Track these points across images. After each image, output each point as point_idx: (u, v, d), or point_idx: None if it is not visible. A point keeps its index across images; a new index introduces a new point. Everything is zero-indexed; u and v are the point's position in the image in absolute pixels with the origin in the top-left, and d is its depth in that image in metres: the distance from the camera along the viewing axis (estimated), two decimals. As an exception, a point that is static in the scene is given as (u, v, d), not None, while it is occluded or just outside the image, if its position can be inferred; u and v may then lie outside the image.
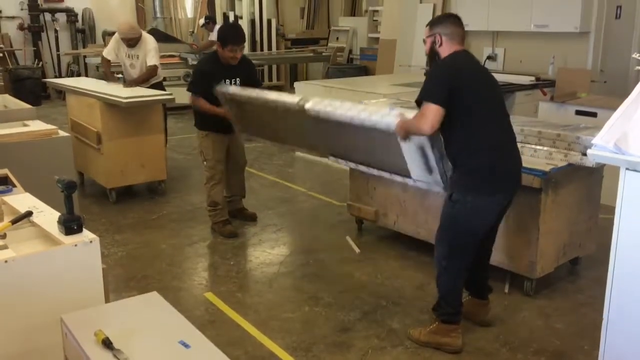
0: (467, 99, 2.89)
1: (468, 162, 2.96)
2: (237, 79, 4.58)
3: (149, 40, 5.98)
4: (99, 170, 5.58)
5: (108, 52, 6.14)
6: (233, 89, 4.44)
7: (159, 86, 6.09)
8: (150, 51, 5.91)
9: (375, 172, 3.82)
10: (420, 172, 3.34)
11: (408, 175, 3.50)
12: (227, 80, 4.53)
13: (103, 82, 6.16)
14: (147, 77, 5.92)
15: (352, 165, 4.02)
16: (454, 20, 3.05)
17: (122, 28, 5.96)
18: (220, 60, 4.55)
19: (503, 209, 3.09)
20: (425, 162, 3.26)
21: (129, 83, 5.85)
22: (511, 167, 3.03)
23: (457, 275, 3.10)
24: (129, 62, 6.05)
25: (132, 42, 5.88)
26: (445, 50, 3.00)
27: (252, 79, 4.71)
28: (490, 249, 3.34)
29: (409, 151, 3.27)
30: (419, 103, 2.92)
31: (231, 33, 4.59)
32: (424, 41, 3.09)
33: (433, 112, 2.81)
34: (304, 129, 4.00)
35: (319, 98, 3.76)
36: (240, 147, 4.96)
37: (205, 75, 4.55)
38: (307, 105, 3.72)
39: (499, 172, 2.96)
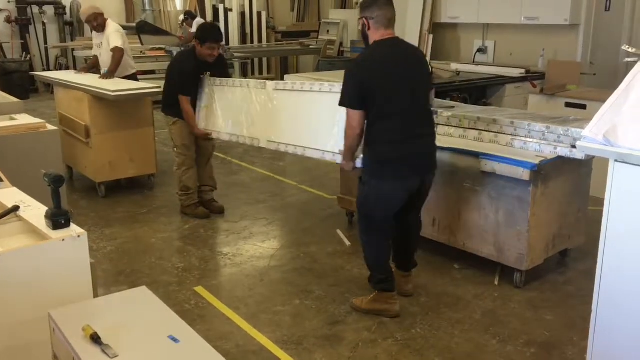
0: (376, 99, 3.08)
1: (373, 151, 3.20)
2: (208, 72, 4.73)
3: (110, 26, 5.96)
4: (87, 164, 5.54)
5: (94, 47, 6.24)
6: (211, 80, 4.66)
7: (132, 78, 6.04)
8: (110, 35, 5.87)
9: (307, 152, 3.99)
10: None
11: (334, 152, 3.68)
12: (203, 75, 4.71)
13: (91, 75, 6.10)
14: (116, 63, 5.81)
15: (284, 148, 4.18)
16: (382, 3, 3.12)
17: (81, 10, 6.13)
18: (197, 57, 4.66)
19: (409, 192, 3.27)
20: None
21: (102, 76, 5.81)
22: (411, 157, 3.20)
23: (376, 247, 3.37)
24: (98, 51, 6.10)
25: (93, 23, 5.91)
26: (372, 34, 3.16)
27: (223, 73, 4.85)
28: (414, 225, 3.56)
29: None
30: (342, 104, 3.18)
31: (210, 31, 4.72)
32: (358, 23, 3.26)
33: (356, 117, 3.10)
34: (257, 116, 4.31)
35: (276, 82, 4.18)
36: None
37: (190, 76, 4.70)
38: (268, 88, 4.12)
39: (401, 161, 3.17)
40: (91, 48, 6.58)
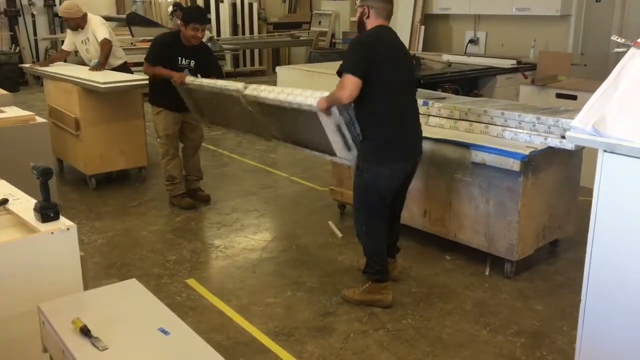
0: (381, 74, 3.09)
1: (372, 134, 3.21)
2: (192, 61, 4.69)
3: (92, 20, 5.87)
4: (78, 156, 5.51)
5: (66, 45, 6.14)
6: (191, 78, 4.51)
7: (123, 68, 5.99)
8: (96, 29, 5.81)
9: (309, 152, 3.90)
10: (342, 151, 3.47)
11: (335, 154, 3.59)
12: (182, 59, 4.65)
13: (81, 67, 6.05)
14: (105, 55, 5.77)
15: (291, 146, 4.11)
16: None
17: (61, 9, 6.01)
18: (180, 39, 4.65)
19: (406, 175, 3.37)
20: (344, 141, 3.38)
21: (92, 68, 5.75)
22: (409, 140, 3.30)
23: (378, 236, 3.38)
24: (83, 47, 5.99)
25: (71, 23, 5.83)
26: (371, 23, 3.20)
27: (209, 64, 4.83)
28: (398, 213, 3.60)
29: (330, 132, 3.40)
30: (340, 74, 3.10)
31: (195, 12, 4.77)
32: (356, 10, 3.28)
33: (352, 83, 3.01)
34: (248, 116, 4.13)
35: (255, 85, 3.91)
36: (195, 128, 5.04)
37: (162, 48, 4.70)
38: (246, 91, 3.92)
39: (397, 144, 3.22)
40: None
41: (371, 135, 3.23)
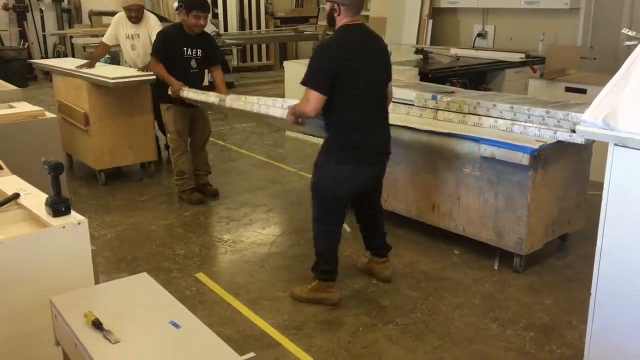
0: (345, 83, 3.07)
1: (335, 136, 3.21)
2: (199, 50, 4.76)
3: (151, 19, 5.65)
4: (87, 151, 5.54)
5: (108, 37, 5.78)
6: (187, 92, 4.61)
7: None
8: (154, 30, 5.39)
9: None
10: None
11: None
12: (188, 49, 4.72)
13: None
14: None
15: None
16: None
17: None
18: (184, 30, 4.68)
19: (368, 179, 3.31)
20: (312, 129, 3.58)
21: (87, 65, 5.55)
22: (373, 145, 3.24)
23: (328, 236, 3.34)
24: (129, 43, 5.69)
25: (135, 14, 5.53)
26: (341, 19, 3.16)
27: (212, 54, 4.90)
28: (376, 213, 3.57)
29: (300, 128, 3.62)
30: (304, 84, 3.10)
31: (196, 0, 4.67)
32: (326, 5, 3.25)
33: (315, 99, 3.04)
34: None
35: (235, 95, 4.23)
36: (202, 123, 5.06)
37: (168, 40, 4.72)
38: (226, 103, 4.19)
39: (360, 149, 3.19)
40: (94, 36, 6.20)
41: (334, 137, 3.22)
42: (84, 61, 5.80)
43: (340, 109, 3.13)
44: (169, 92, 4.66)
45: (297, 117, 3.26)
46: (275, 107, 3.71)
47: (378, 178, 3.44)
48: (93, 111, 5.29)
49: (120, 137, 5.43)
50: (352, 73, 3.08)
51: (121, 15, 5.70)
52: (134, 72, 5.46)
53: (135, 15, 5.57)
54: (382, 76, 3.29)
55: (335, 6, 3.14)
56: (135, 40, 5.68)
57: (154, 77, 5.06)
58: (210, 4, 11.56)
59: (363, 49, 3.18)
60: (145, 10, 5.70)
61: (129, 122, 5.44)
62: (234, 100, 4.16)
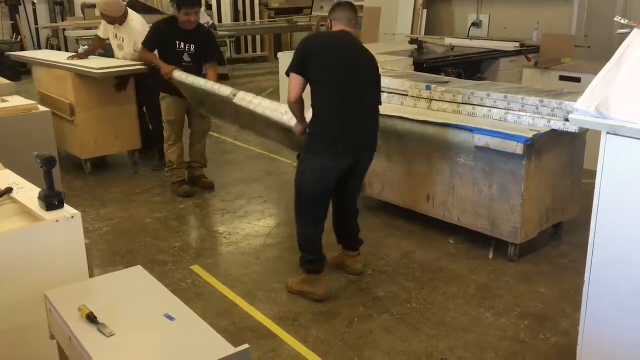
0: (318, 72, 3.20)
1: (314, 127, 3.29)
2: (192, 45, 4.73)
3: (134, 23, 5.50)
4: (73, 142, 5.57)
5: (101, 31, 5.80)
6: (179, 74, 4.55)
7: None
8: (140, 37, 5.29)
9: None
10: None
11: None
12: (180, 43, 4.70)
13: (67, 53, 5.98)
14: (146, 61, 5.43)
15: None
16: (344, 7, 3.41)
17: (99, 3, 5.67)
18: (178, 24, 4.67)
19: (348, 170, 3.31)
20: None
21: (79, 56, 5.64)
22: (349, 136, 3.23)
23: (308, 226, 3.38)
24: (116, 43, 5.68)
25: (110, 20, 5.50)
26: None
27: (209, 49, 4.85)
28: (350, 206, 3.58)
29: None
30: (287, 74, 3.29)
31: None
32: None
33: (293, 82, 3.21)
34: (238, 114, 4.26)
35: (243, 94, 4.06)
36: (204, 116, 5.03)
37: (160, 32, 4.75)
38: (235, 99, 4.07)
39: (334, 139, 3.22)
40: (87, 29, 6.23)
41: (312, 128, 3.30)
42: (67, 54, 5.83)
43: (315, 98, 3.24)
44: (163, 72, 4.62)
45: (291, 110, 3.36)
46: (282, 114, 3.71)
47: (356, 172, 3.39)
48: (79, 102, 5.36)
49: (106, 126, 5.52)
50: (324, 66, 3.20)
51: None
52: (120, 62, 5.46)
53: (110, 22, 5.52)
54: (365, 78, 3.30)
55: (329, 23, 3.41)
56: (121, 41, 5.68)
57: (141, 67, 5.12)
58: (204, -4, 11.56)
59: (340, 47, 3.29)
60: (129, 11, 5.58)
61: (113, 111, 5.53)
62: (242, 100, 4.02)
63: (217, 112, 4.79)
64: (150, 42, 4.80)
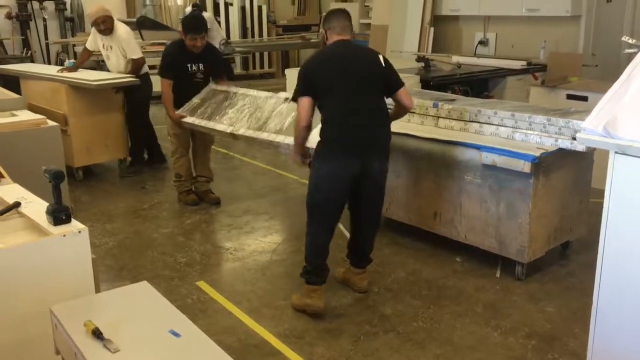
0: (320, 90, 3.28)
1: (321, 134, 3.32)
2: (200, 64, 4.92)
3: (120, 31, 5.73)
4: (65, 150, 5.59)
5: (89, 43, 6.07)
6: (187, 120, 4.82)
7: (145, 78, 5.93)
8: (124, 43, 5.69)
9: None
10: None
11: None
12: (192, 65, 4.88)
13: (51, 66, 6.21)
14: (134, 71, 5.76)
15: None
16: (336, 14, 3.47)
17: (89, 11, 5.97)
18: (185, 47, 4.82)
19: (357, 177, 3.28)
20: None
21: (67, 69, 5.99)
22: (354, 140, 3.26)
23: (315, 236, 3.39)
24: (105, 53, 5.90)
25: (103, 26, 5.66)
26: (329, 41, 3.44)
27: (216, 67, 5.05)
28: (365, 221, 3.53)
29: None
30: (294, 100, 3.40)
31: (190, 23, 4.89)
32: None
33: (302, 105, 3.28)
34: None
35: (243, 129, 4.42)
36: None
37: (172, 59, 4.89)
38: (239, 133, 4.42)
39: (338, 142, 3.26)
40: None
41: (321, 136, 3.33)
42: (51, 67, 6.27)
43: (321, 108, 3.32)
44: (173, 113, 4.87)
45: (295, 135, 3.46)
46: (285, 137, 3.99)
47: (366, 178, 3.31)
48: (72, 112, 5.59)
49: (97, 135, 5.79)
50: (326, 79, 3.29)
51: None
52: (107, 75, 5.79)
53: (104, 28, 5.72)
54: (369, 80, 3.34)
55: (324, 33, 3.46)
56: (109, 51, 5.88)
57: (133, 79, 5.51)
58: (213, 13, 11.68)
59: (341, 56, 3.37)
60: (115, 21, 5.83)
61: (103, 121, 5.81)
62: (242, 128, 4.40)
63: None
64: (167, 72, 4.87)
